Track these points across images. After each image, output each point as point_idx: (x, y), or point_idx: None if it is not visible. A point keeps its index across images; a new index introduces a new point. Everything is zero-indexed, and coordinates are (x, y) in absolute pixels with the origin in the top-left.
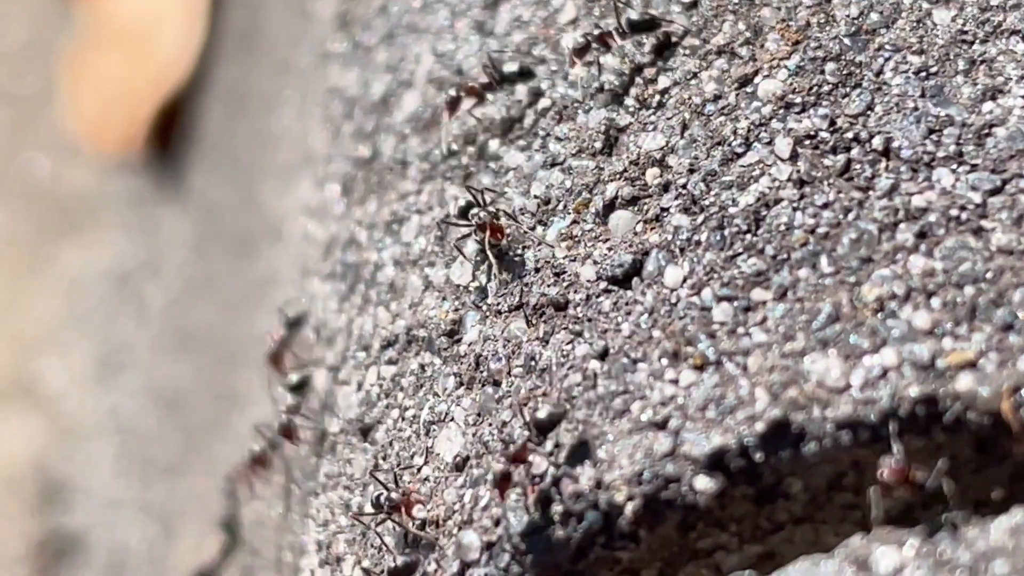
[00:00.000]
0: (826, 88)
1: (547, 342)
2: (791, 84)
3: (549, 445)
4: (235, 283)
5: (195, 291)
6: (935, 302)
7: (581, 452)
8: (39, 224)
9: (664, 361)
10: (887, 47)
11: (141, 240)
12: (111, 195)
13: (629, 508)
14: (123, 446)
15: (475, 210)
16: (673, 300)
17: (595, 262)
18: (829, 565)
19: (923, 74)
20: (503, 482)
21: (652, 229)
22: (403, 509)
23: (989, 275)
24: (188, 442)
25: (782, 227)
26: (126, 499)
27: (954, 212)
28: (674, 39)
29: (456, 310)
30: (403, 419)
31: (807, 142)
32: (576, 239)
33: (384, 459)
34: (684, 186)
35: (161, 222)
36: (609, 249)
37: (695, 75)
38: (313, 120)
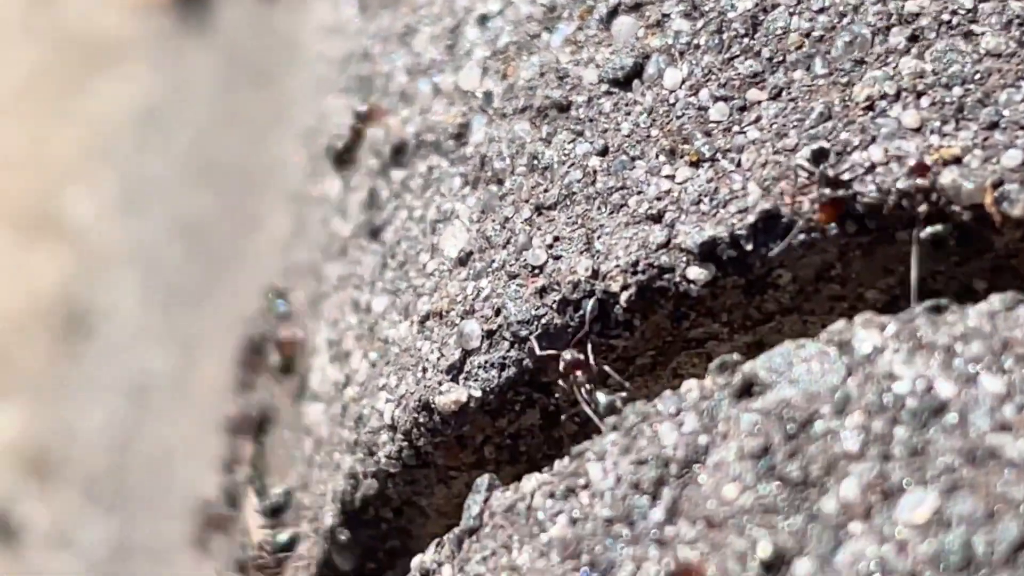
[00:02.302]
0: None
1: (550, 142)
2: None
3: (549, 238)
4: (257, 113)
5: (219, 123)
6: (924, 101)
7: (581, 243)
8: (68, 62)
9: (661, 158)
10: None
11: (167, 76)
12: (138, 33)
13: (624, 297)
14: (147, 275)
15: None
16: (672, 101)
17: (597, 66)
18: (812, 347)
19: None
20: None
21: (653, 34)
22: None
23: (977, 76)
24: (211, 270)
25: (779, 31)
26: (149, 326)
27: (946, 17)
28: None
29: (463, 114)
30: (411, 219)
31: None
32: (579, 44)
33: (392, 257)
34: None
35: (187, 58)
36: (611, 53)
37: None
38: None
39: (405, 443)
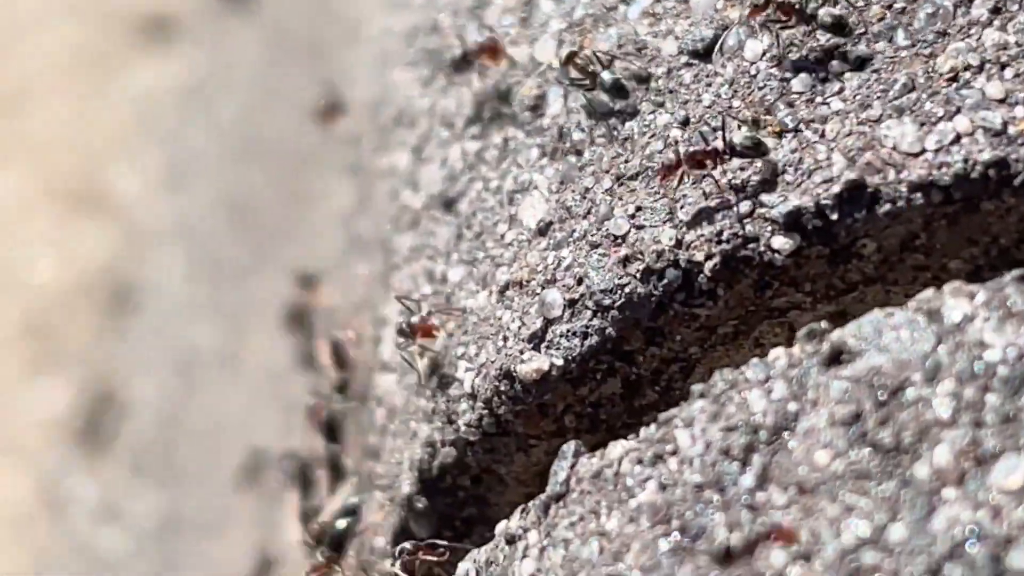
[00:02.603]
0: None
1: (632, 114)
2: None
3: (631, 208)
4: (308, 89)
5: (266, 101)
6: (1008, 73)
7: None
8: (112, 40)
9: (743, 129)
10: None
11: (212, 53)
12: (183, 11)
13: (708, 266)
14: (193, 250)
15: None
16: (753, 72)
17: (676, 37)
18: (901, 316)
19: None
20: None
21: (732, 6)
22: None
23: None
24: (258, 245)
25: (860, 2)
26: (196, 301)
27: None
28: None
29: (540, 86)
30: (486, 190)
31: None
32: (658, 16)
33: (468, 228)
34: None
35: (233, 35)
36: (690, 25)
37: None
38: None
39: (485, 411)
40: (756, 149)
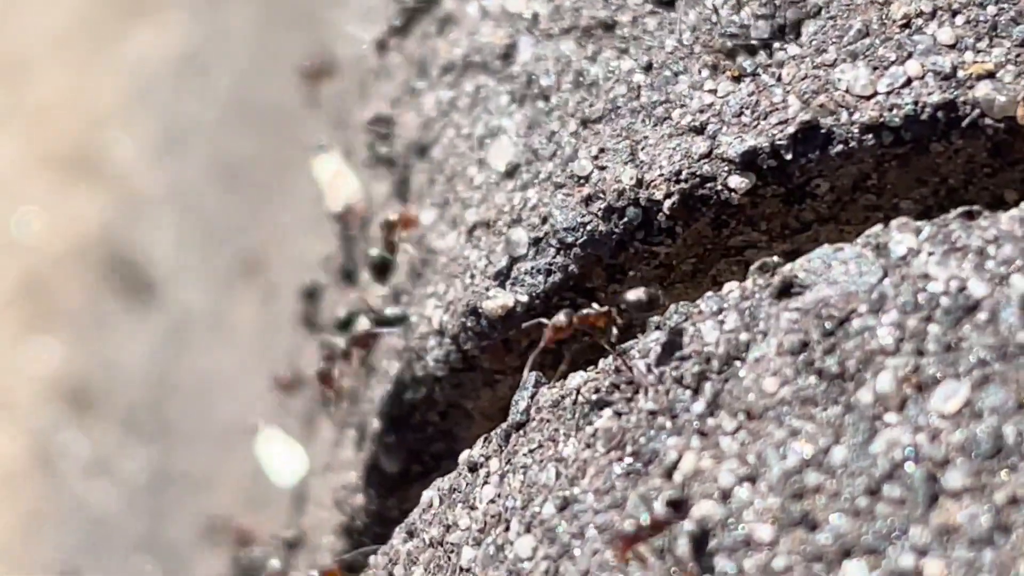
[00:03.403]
0: None
1: (595, 59)
2: None
3: (594, 150)
4: (298, 54)
5: (260, 67)
6: (959, 19)
7: (626, 154)
8: (108, 9)
9: (704, 73)
10: None
11: (206, 22)
12: None
13: (667, 204)
14: (188, 214)
15: None
16: (714, 19)
17: None
18: (849, 250)
19: None
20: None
21: None
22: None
23: None
24: (251, 209)
25: None
26: (188, 265)
27: None
28: None
29: (510, 36)
30: (459, 136)
31: None
32: None
33: (440, 173)
34: None
35: (227, 2)
36: None
37: None
38: None
39: (452, 347)
40: None
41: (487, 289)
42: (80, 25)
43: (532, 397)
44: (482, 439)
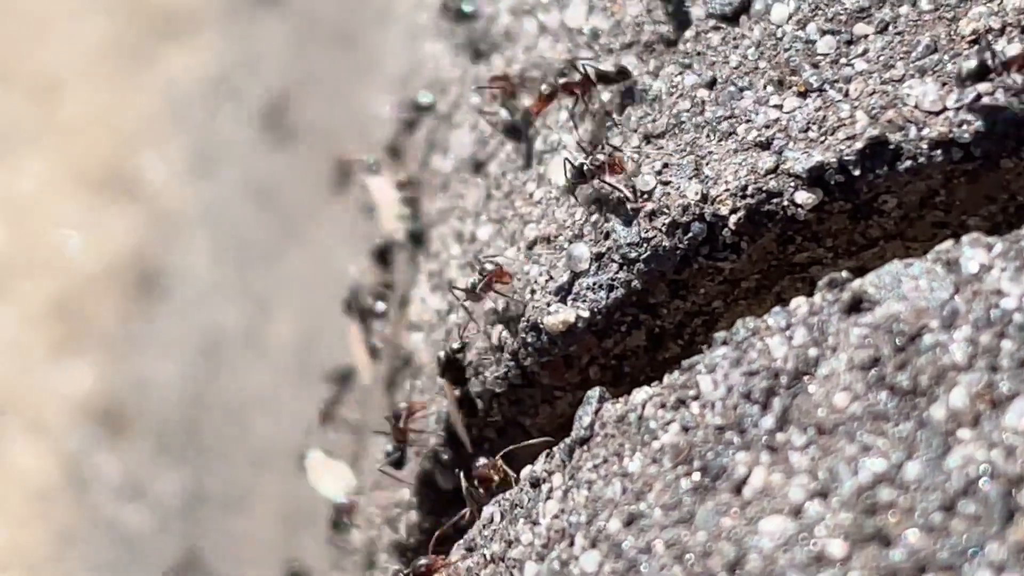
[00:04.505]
0: None
1: (657, 75)
2: None
3: (658, 165)
4: (337, 76)
5: (295, 88)
6: None
7: (690, 170)
8: (140, 29)
9: (769, 89)
10: None
11: (240, 42)
12: (209, 3)
13: (732, 220)
14: (219, 235)
15: None
16: (779, 35)
17: (704, 2)
18: (919, 266)
19: None
20: None
21: None
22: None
23: None
24: (285, 229)
25: None
26: (222, 285)
27: None
28: None
29: (569, 51)
30: (516, 151)
31: None
32: None
33: (497, 188)
34: None
35: (259, 25)
36: None
37: None
38: None
39: (512, 363)
40: None
41: (548, 304)
42: (112, 46)
43: (596, 412)
44: (544, 454)
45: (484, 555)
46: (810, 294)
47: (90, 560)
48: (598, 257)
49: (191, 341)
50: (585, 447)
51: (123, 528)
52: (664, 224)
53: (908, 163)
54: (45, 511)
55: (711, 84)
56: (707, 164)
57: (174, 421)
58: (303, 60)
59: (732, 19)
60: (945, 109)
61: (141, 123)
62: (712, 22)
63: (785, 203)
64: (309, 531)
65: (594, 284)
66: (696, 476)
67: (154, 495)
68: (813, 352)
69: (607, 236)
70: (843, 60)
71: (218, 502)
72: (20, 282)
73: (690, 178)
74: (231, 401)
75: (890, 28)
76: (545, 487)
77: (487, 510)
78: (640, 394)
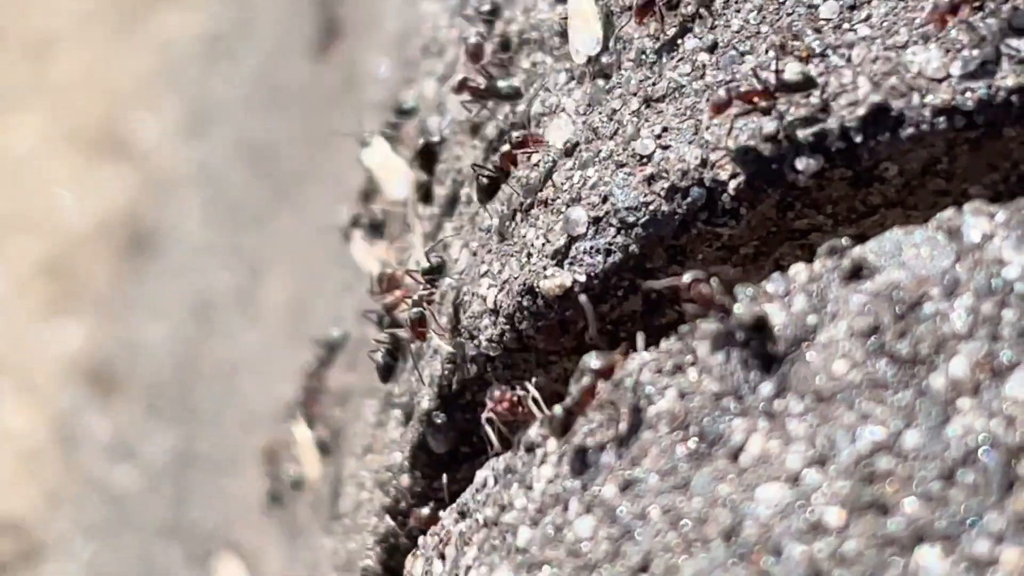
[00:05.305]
0: None
1: (657, 38)
2: None
3: (657, 129)
4: (332, 37)
5: (289, 48)
6: None
7: (690, 134)
8: None
9: (771, 53)
10: None
11: (234, 3)
12: None
13: (732, 185)
14: (212, 195)
15: None
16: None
17: None
18: (920, 233)
19: None
20: None
21: None
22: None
23: None
24: (277, 190)
25: None
26: (215, 245)
27: None
28: None
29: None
30: (513, 112)
31: None
32: None
33: (493, 152)
34: None
35: None
36: None
37: None
38: None
39: (507, 326)
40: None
41: (544, 268)
42: (106, 4)
43: (591, 378)
44: (539, 419)
45: (477, 519)
46: (809, 261)
47: (80, 520)
48: (595, 221)
49: (182, 302)
50: (578, 412)
51: (112, 488)
52: (663, 188)
53: (910, 130)
54: (35, 471)
55: (712, 48)
56: (707, 129)
57: (164, 382)
58: (301, 19)
59: None
60: (948, 76)
61: (134, 82)
62: None
63: (785, 168)
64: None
65: (591, 248)
66: (692, 442)
67: (143, 456)
68: (812, 319)
69: (605, 200)
70: (846, 25)
71: (207, 463)
72: (11, 241)
73: (689, 142)
74: (222, 363)
75: None
76: (539, 452)
77: (480, 474)
78: (635, 360)
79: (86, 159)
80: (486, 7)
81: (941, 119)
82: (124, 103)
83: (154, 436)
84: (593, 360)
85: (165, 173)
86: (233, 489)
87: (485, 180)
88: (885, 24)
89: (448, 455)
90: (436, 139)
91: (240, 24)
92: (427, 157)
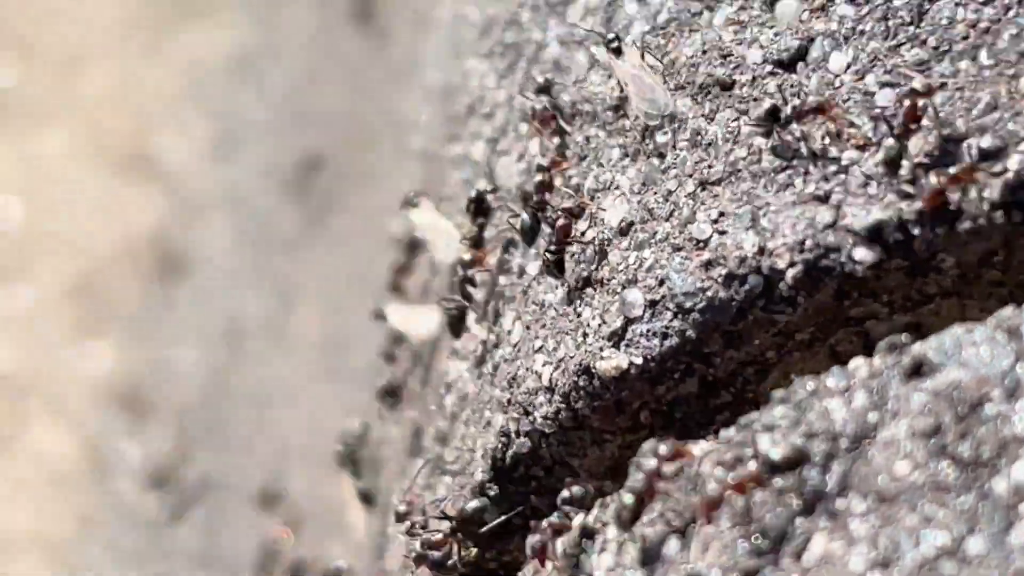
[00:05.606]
0: None
1: (712, 119)
2: None
3: (714, 213)
4: (366, 67)
5: (319, 74)
6: None
7: (747, 220)
8: (163, 5)
9: (827, 140)
10: None
11: (262, 24)
12: None
13: (790, 274)
14: (241, 220)
15: None
16: (837, 84)
17: (761, 46)
18: (981, 332)
19: None
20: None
21: (818, 18)
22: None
23: None
24: (310, 218)
25: (944, 20)
26: (243, 271)
27: None
28: None
29: (622, 87)
30: (566, 186)
31: None
32: (743, 24)
33: (546, 223)
34: None
35: (284, 6)
36: (775, 35)
37: None
38: None
39: (563, 405)
40: None
41: (601, 349)
42: (134, 22)
43: (651, 465)
44: (598, 504)
45: None
46: (865, 348)
47: (111, 546)
48: (652, 304)
49: (214, 327)
50: (640, 501)
51: (143, 514)
52: (720, 275)
53: (968, 224)
54: (66, 495)
55: (768, 132)
56: (764, 215)
57: (196, 408)
58: (330, 46)
59: (789, 65)
60: (1007, 171)
61: (162, 101)
62: (768, 67)
63: (843, 259)
64: (338, 537)
65: (648, 331)
66: (755, 539)
67: (175, 482)
68: (873, 416)
69: (661, 283)
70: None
71: (236, 492)
72: (40, 262)
73: (747, 229)
74: (254, 391)
75: (949, 84)
76: (599, 539)
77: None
78: (696, 448)
79: (113, 179)
80: (540, 80)
81: (999, 213)
82: (151, 122)
83: (186, 462)
84: (659, 447)
85: (194, 194)
86: (264, 519)
87: (551, 256)
88: (941, 115)
89: (500, 527)
90: (489, 197)
91: (269, 45)
92: (479, 212)
